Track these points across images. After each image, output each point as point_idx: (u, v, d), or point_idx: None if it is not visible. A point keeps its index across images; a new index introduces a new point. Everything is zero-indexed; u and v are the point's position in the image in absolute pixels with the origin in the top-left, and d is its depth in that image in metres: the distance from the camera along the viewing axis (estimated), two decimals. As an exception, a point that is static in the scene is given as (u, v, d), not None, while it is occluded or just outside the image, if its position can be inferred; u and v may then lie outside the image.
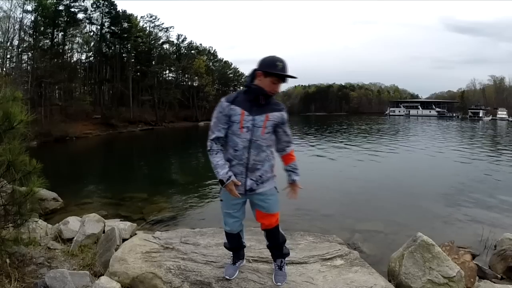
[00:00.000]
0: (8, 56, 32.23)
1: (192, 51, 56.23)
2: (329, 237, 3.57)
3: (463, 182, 9.28)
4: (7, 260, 2.74)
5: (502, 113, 64.10)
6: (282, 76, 2.13)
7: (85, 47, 40.76)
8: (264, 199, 2.29)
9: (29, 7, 32.92)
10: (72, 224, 4.08)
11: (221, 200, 2.39)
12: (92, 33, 41.46)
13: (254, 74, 2.19)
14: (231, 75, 70.09)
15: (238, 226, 2.45)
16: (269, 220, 2.35)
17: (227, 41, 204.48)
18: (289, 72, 2.15)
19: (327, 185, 9.08)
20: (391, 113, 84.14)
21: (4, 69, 31.08)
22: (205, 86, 55.06)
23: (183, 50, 55.02)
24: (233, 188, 2.20)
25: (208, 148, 2.22)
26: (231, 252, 2.66)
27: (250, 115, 2.17)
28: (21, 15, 32.23)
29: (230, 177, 2.18)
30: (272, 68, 2.10)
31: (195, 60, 53.83)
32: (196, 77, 55.95)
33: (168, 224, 6.12)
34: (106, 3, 41.05)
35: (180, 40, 54.38)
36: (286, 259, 2.65)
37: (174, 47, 53.71)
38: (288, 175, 2.43)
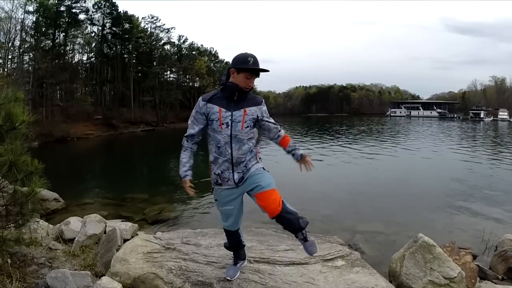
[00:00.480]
0: (10, 57, 32.39)
1: (193, 52, 56.33)
2: (330, 238, 3.57)
3: (464, 183, 9.26)
4: (9, 260, 2.74)
5: (503, 114, 63.93)
6: (254, 71, 2.19)
7: (86, 48, 40.89)
8: (254, 178, 2.27)
9: (30, 8, 33.14)
10: (73, 225, 4.08)
11: (215, 200, 2.42)
12: (93, 34, 41.62)
13: (228, 72, 2.26)
14: (232, 76, 70.04)
15: (236, 223, 2.45)
16: (268, 200, 2.19)
17: (227, 42, 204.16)
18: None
19: (328, 186, 9.08)
20: (392, 114, 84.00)
21: (6, 69, 31.16)
22: (206, 87, 55.04)
23: (184, 51, 55.13)
24: (187, 186, 2.32)
25: (182, 144, 2.36)
26: (232, 253, 2.66)
27: (228, 111, 2.23)
28: (22, 16, 32.44)
29: (186, 176, 2.32)
30: (244, 64, 2.17)
31: (196, 61, 53.92)
32: (197, 78, 56.04)
33: (169, 224, 6.13)
34: (108, 4, 41.21)
35: (181, 41, 54.58)
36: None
37: (175, 48, 53.83)
38: (293, 155, 2.44)
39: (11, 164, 2.44)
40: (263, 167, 2.37)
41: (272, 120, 2.40)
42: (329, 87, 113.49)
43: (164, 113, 46.59)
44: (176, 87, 50.55)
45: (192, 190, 2.33)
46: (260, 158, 2.41)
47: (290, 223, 2.27)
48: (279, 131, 2.42)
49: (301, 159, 2.42)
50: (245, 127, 2.25)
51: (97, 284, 2.51)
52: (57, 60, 35.17)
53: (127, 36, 43.32)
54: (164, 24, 49.99)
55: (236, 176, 2.28)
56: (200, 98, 2.32)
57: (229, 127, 2.22)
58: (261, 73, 2.26)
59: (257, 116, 2.30)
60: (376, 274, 2.81)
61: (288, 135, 2.48)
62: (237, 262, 2.63)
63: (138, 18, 46.94)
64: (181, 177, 2.32)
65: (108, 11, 41.40)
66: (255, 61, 2.18)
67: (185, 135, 2.34)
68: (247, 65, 2.16)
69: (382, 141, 22.63)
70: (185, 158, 2.33)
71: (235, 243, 2.58)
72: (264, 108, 2.36)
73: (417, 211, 6.73)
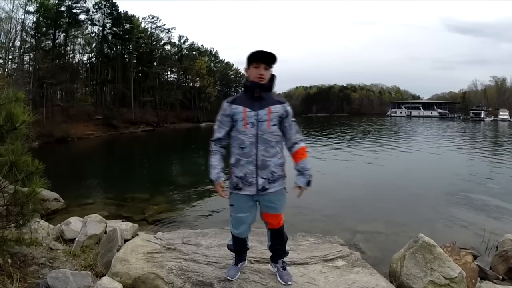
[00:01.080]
0: (10, 57, 32.40)
1: (194, 52, 56.41)
2: (330, 238, 3.56)
3: (465, 184, 9.26)
4: (9, 260, 2.74)
5: (503, 114, 63.97)
6: (259, 56, 2.18)
7: (86, 48, 40.96)
8: (274, 200, 2.28)
9: (31, 8, 33.16)
10: (74, 225, 4.08)
11: (231, 205, 2.36)
12: (93, 34, 41.65)
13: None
14: (232, 76, 70.22)
15: (247, 231, 2.44)
16: (276, 220, 2.37)
17: (227, 42, 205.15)
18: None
19: (329, 186, 9.07)
20: (392, 114, 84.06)
21: (6, 70, 31.22)
22: (206, 87, 55.16)
23: (185, 51, 55.22)
24: (219, 189, 2.27)
25: (210, 149, 2.33)
26: (233, 253, 2.66)
27: (253, 110, 2.21)
28: (23, 16, 32.47)
29: (218, 178, 2.28)
30: (250, 56, 2.20)
31: (197, 61, 54.01)
32: (198, 78, 56.08)
33: (170, 224, 6.14)
34: (108, 4, 41.23)
35: (182, 41, 54.68)
36: (287, 260, 2.65)
37: (176, 48, 53.89)
38: (296, 176, 2.35)
39: (11, 164, 2.44)
40: (285, 187, 2.34)
41: (295, 127, 2.35)
42: (329, 87, 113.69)
43: (164, 113, 46.62)
44: (177, 87, 50.62)
45: (224, 192, 2.29)
46: (285, 176, 2.33)
47: (283, 241, 2.48)
48: (296, 143, 2.32)
49: (299, 187, 2.31)
50: (271, 125, 2.22)
51: (97, 284, 2.51)
52: (57, 60, 35.18)
53: (127, 36, 43.34)
54: (164, 24, 50.12)
55: (261, 181, 2.22)
56: (225, 101, 2.31)
57: (255, 127, 2.19)
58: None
59: (282, 115, 2.27)
60: (377, 274, 2.81)
61: (307, 152, 2.36)
62: (238, 262, 2.62)
63: (138, 18, 47.09)
64: (213, 180, 2.28)
65: (109, 11, 41.42)
66: (261, 50, 2.18)
67: (212, 139, 2.31)
68: (252, 54, 2.19)
69: (382, 141, 22.62)
70: (216, 161, 2.30)
71: (240, 248, 2.57)
72: (289, 108, 2.33)
73: (417, 211, 6.73)
